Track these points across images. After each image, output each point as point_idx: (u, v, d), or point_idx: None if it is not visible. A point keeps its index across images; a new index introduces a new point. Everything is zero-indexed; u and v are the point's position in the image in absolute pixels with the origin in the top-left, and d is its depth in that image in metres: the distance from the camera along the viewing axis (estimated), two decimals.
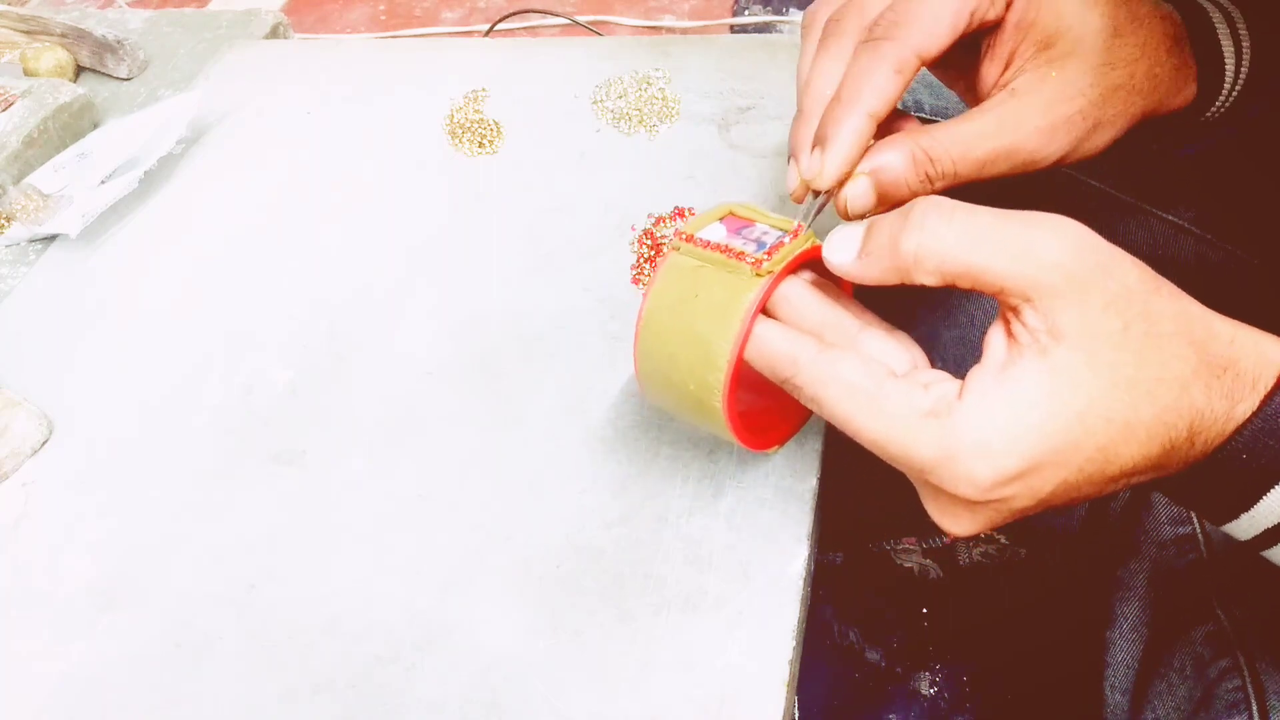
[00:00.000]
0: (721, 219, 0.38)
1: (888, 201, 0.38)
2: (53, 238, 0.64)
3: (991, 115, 0.38)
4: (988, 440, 0.31)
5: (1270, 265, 0.59)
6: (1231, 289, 0.60)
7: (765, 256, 0.35)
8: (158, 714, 0.41)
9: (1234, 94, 0.44)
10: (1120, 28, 0.39)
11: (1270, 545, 0.34)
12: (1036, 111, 0.38)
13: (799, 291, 0.36)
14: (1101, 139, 0.40)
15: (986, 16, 0.38)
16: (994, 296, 0.32)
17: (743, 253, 0.35)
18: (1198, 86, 0.43)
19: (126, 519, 0.48)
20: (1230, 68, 0.43)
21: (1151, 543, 0.51)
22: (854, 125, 0.36)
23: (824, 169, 0.37)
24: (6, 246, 0.65)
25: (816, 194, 0.38)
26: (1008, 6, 0.39)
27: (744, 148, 0.61)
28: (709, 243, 0.36)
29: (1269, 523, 0.33)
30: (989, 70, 0.40)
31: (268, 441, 0.50)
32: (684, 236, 0.37)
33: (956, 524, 0.34)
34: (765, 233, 0.37)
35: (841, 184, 0.38)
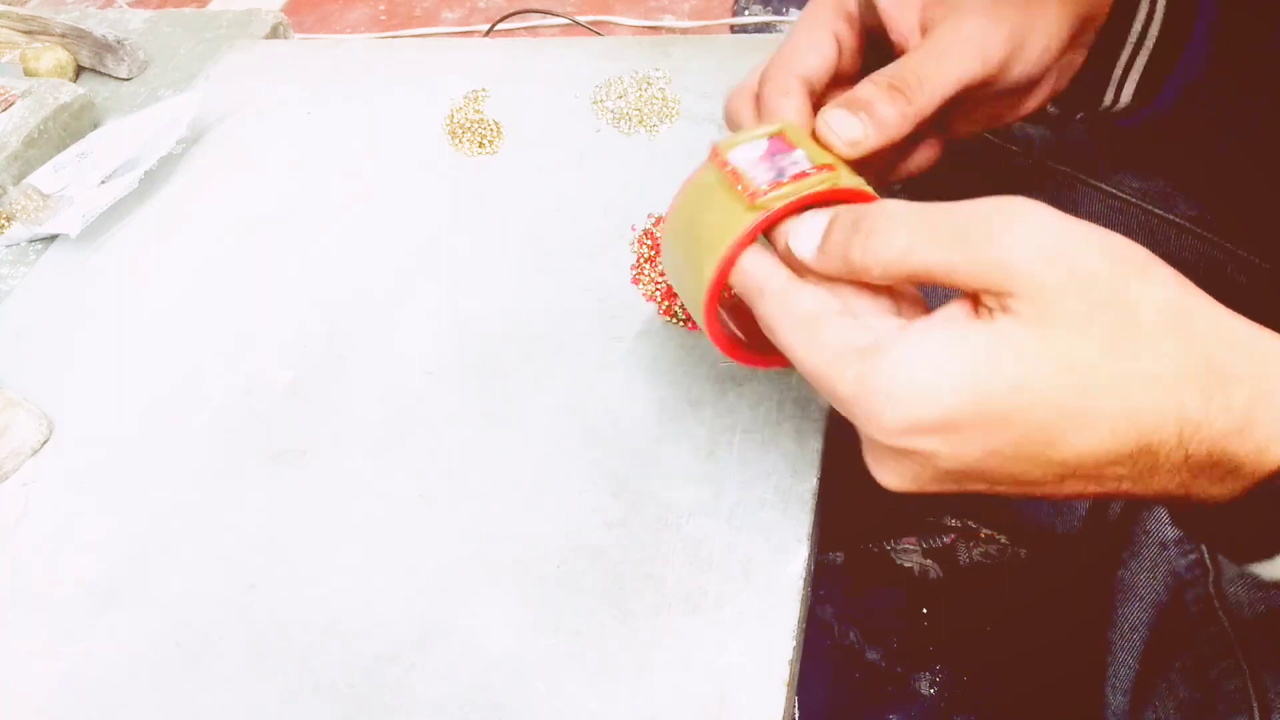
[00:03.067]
0: (770, 136, 0.38)
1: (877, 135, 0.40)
2: (53, 238, 0.64)
3: (932, 44, 0.41)
4: (904, 384, 0.30)
5: (1272, 265, 0.59)
6: (1234, 289, 0.60)
7: (768, 189, 0.35)
8: (158, 714, 0.41)
9: (1154, 19, 0.46)
10: None
11: None
12: (961, 30, 0.41)
13: (809, 225, 0.35)
14: (1037, 45, 0.42)
15: (857, 26, 0.43)
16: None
17: (746, 184, 0.36)
18: (1109, 19, 0.45)
19: (126, 519, 0.48)
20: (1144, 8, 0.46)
21: (1153, 543, 0.51)
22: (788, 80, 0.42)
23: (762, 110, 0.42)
24: (6, 246, 0.65)
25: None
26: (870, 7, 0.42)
27: None
28: (727, 164, 0.37)
29: None
30: (903, 36, 0.43)
31: (268, 441, 0.50)
32: (715, 152, 0.38)
33: (881, 470, 0.33)
34: (796, 162, 0.37)
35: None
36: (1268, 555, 0.33)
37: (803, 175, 0.36)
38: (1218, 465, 0.30)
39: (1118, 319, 0.30)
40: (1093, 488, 0.32)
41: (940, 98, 0.41)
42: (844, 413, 0.33)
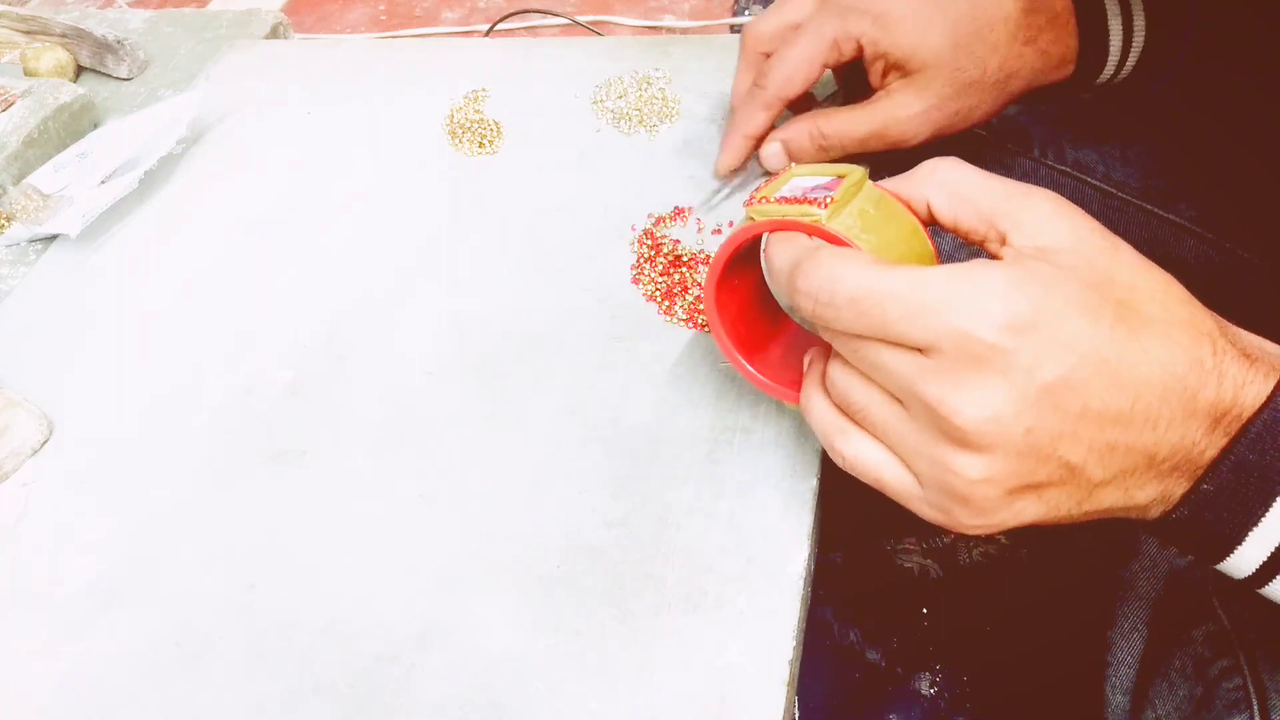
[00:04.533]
0: (838, 176, 0.39)
1: (796, 159, 0.55)
2: (53, 238, 0.64)
3: (870, 109, 0.53)
4: (999, 279, 0.31)
5: (1272, 265, 0.59)
6: (1233, 289, 0.60)
7: (772, 201, 0.38)
8: (158, 714, 0.41)
9: (1125, 67, 0.55)
10: (961, 41, 0.51)
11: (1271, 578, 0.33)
12: (899, 107, 0.52)
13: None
14: (973, 116, 0.53)
15: (842, 59, 0.53)
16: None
17: (765, 192, 0.39)
18: (1078, 63, 0.54)
19: (126, 519, 0.48)
20: (1116, 45, 0.54)
21: (1152, 542, 0.51)
22: (736, 142, 0.56)
23: (716, 165, 0.58)
24: (6, 246, 0.65)
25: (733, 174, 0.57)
26: (858, 50, 0.52)
27: None
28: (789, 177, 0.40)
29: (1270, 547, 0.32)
30: (875, 83, 0.54)
31: (268, 442, 0.50)
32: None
33: (976, 392, 0.31)
34: (828, 188, 0.38)
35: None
36: (1226, 552, 0.33)
37: (807, 202, 0.37)
38: (1254, 362, 0.32)
39: (1106, 239, 0.33)
40: (1092, 455, 0.32)
41: (855, 151, 0.54)
42: (922, 333, 0.32)
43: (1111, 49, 0.54)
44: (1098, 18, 0.53)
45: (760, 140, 0.56)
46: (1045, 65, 0.53)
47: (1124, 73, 0.55)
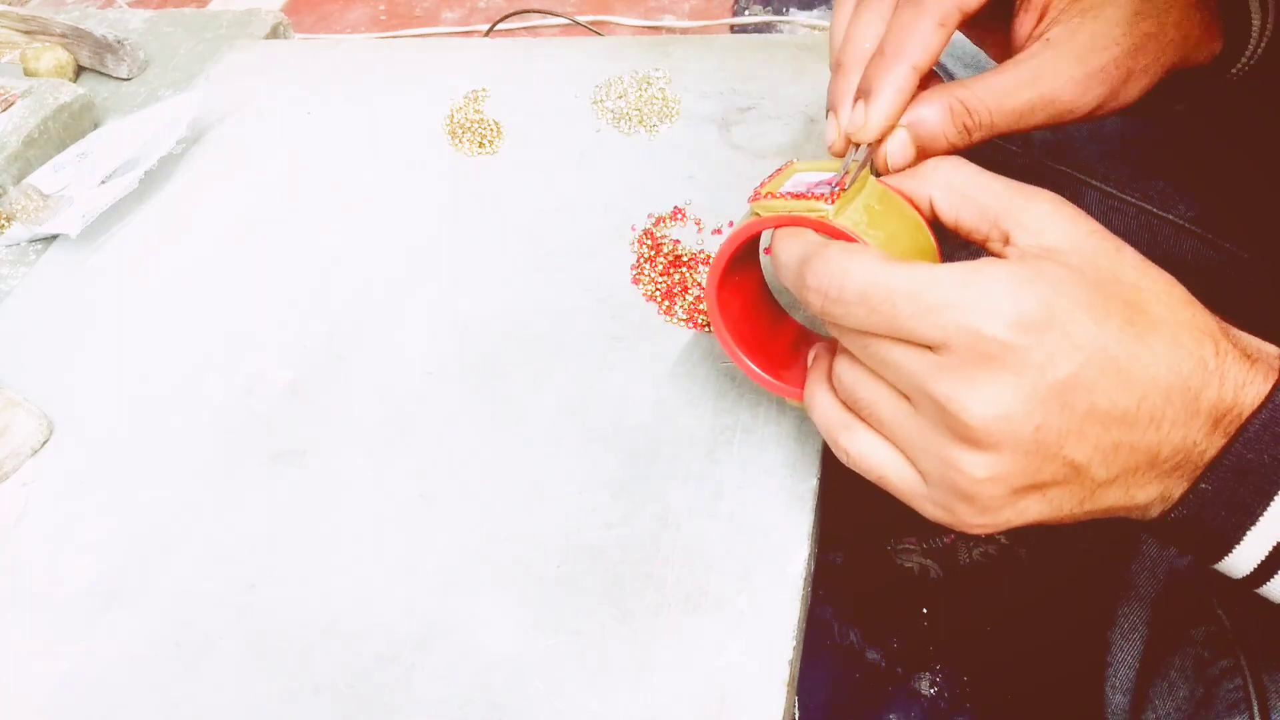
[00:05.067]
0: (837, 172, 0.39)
1: (926, 154, 0.38)
2: (53, 238, 0.64)
3: (1027, 66, 0.38)
4: (1008, 278, 0.31)
5: (1272, 265, 0.59)
6: (1232, 289, 0.60)
7: (776, 197, 0.38)
8: (158, 714, 0.41)
9: (1259, 50, 0.44)
10: None
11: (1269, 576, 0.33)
12: (1071, 60, 0.38)
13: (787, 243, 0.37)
14: (1134, 89, 0.40)
15: None
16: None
17: (769, 187, 0.39)
18: (1224, 40, 0.43)
19: (126, 519, 0.48)
20: (1256, 22, 0.43)
21: (1152, 542, 0.51)
22: (899, 77, 0.37)
23: (868, 121, 0.37)
24: (6, 246, 0.65)
25: (857, 146, 0.39)
26: None
27: (744, 148, 0.61)
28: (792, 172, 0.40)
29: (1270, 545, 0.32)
30: (1023, 24, 0.40)
31: (268, 441, 0.50)
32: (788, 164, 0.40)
33: (986, 389, 0.31)
34: (830, 183, 0.38)
35: (882, 139, 0.38)
36: (1225, 551, 0.33)
37: (811, 197, 0.37)
38: (1254, 362, 0.32)
39: (1109, 240, 0.33)
40: (1098, 451, 0.32)
41: (1007, 132, 0.39)
42: (932, 330, 0.31)
43: (1254, 22, 0.43)
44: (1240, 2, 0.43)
45: (925, 74, 0.38)
46: (1203, 36, 0.43)
47: (1258, 53, 0.44)
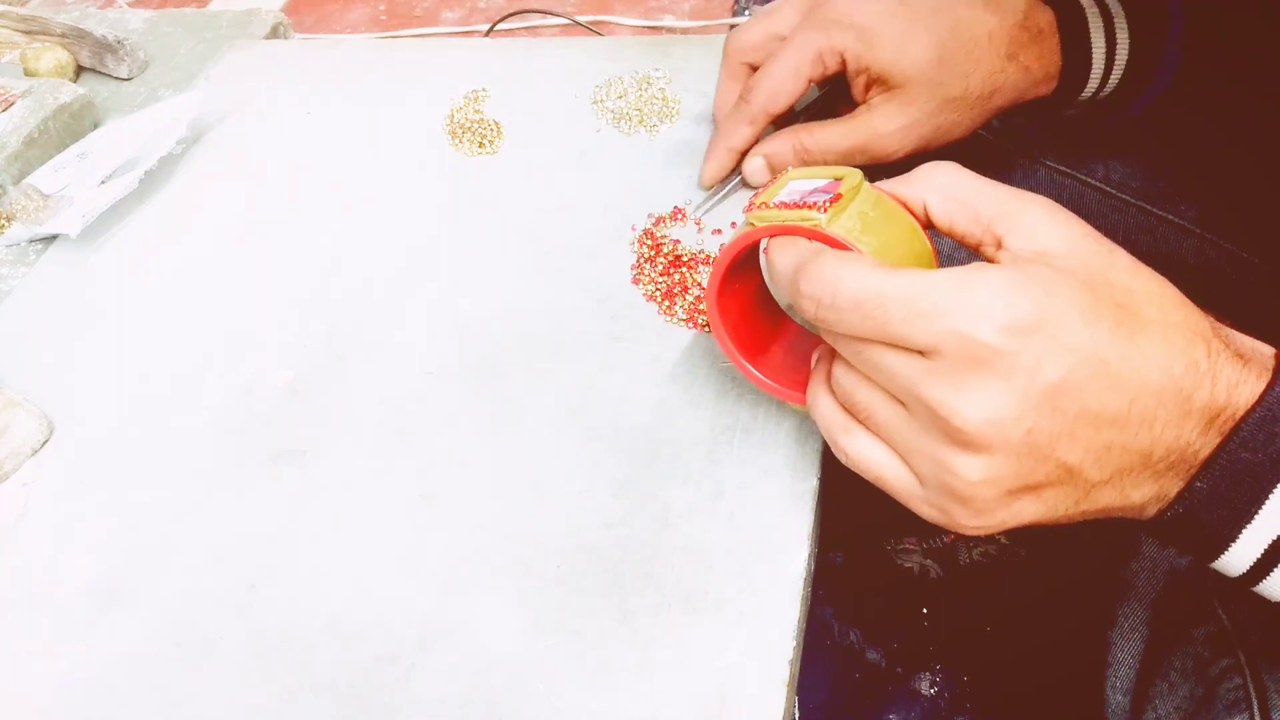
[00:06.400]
0: (834, 179, 0.39)
1: (779, 173, 0.48)
2: (53, 238, 0.64)
3: (852, 123, 0.53)
4: (999, 282, 0.32)
5: (1272, 265, 0.59)
6: (1233, 289, 0.60)
7: (771, 207, 0.38)
8: (158, 714, 0.41)
9: (1109, 84, 0.55)
10: (944, 56, 0.51)
11: (1266, 573, 0.33)
12: (882, 121, 0.52)
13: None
14: (955, 132, 0.54)
15: (826, 73, 0.53)
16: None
17: (764, 197, 0.40)
18: (1061, 79, 0.54)
19: (126, 519, 0.48)
20: (1100, 61, 0.54)
21: (1152, 542, 0.51)
22: (720, 155, 0.56)
23: (701, 176, 0.58)
24: (6, 246, 0.65)
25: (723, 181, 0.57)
26: (842, 64, 0.52)
27: None
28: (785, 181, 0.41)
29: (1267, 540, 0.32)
30: (858, 97, 0.54)
31: (268, 441, 0.50)
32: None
33: (976, 394, 0.31)
34: (826, 190, 0.38)
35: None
36: (1221, 549, 0.33)
37: (806, 206, 0.37)
38: (1247, 362, 0.32)
39: (1102, 244, 0.34)
40: (1091, 456, 0.32)
41: (836, 164, 0.51)
42: (923, 335, 0.32)
43: (1094, 65, 0.54)
44: (1080, 34, 0.54)
45: (744, 154, 0.56)
46: (1028, 81, 0.53)
47: (1107, 89, 0.55)
